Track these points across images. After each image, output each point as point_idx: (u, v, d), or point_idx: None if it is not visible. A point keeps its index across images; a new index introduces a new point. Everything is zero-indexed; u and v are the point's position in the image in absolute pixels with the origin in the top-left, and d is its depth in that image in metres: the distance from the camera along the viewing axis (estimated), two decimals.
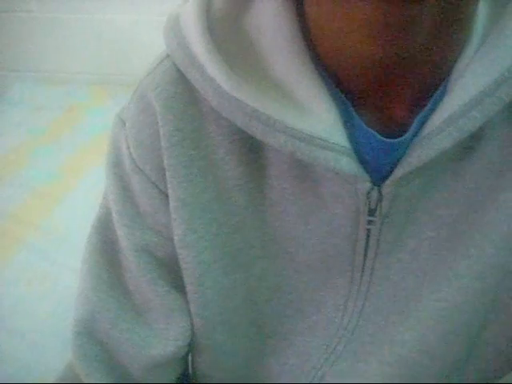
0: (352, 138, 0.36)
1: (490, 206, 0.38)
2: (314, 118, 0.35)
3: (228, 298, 0.44)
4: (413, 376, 0.43)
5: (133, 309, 0.44)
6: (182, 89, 0.39)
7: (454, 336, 0.41)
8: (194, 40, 0.36)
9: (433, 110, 0.35)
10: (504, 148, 0.37)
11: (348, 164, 0.35)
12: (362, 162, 0.36)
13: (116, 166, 0.43)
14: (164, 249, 0.43)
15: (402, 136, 0.36)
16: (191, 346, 0.47)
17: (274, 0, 0.36)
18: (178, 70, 0.38)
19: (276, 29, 0.36)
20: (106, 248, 0.45)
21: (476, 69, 0.33)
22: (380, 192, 0.37)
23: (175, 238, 0.41)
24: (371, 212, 0.39)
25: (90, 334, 0.45)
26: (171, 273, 0.43)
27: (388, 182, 0.37)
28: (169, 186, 0.40)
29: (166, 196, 0.41)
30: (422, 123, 0.35)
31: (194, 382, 0.53)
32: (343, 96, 0.36)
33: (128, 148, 0.41)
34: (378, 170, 0.37)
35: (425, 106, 0.35)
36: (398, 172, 0.36)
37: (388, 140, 0.36)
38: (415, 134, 0.35)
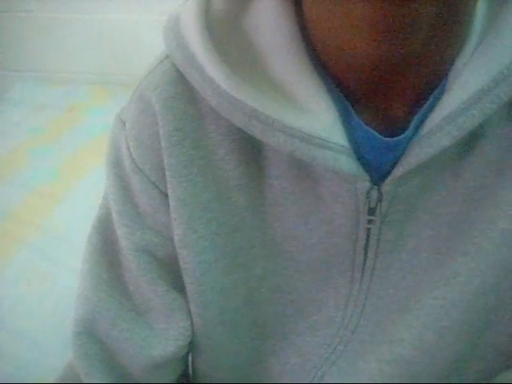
0: (351, 137, 0.36)
1: (489, 204, 0.38)
2: (313, 117, 0.35)
3: (228, 297, 0.44)
4: (412, 375, 0.43)
5: (133, 309, 0.45)
6: (181, 89, 0.39)
7: (453, 335, 0.41)
8: (193, 40, 0.36)
9: (432, 108, 0.35)
10: (503, 146, 0.37)
11: (347, 163, 0.35)
12: (362, 161, 0.36)
13: (116, 166, 0.43)
14: (164, 249, 0.43)
15: (401, 135, 0.36)
16: (191, 346, 0.47)
17: (273, 0, 0.37)
18: (178, 71, 0.38)
19: (275, 29, 0.36)
20: (106, 248, 0.45)
21: (474, 67, 0.33)
22: (380, 191, 0.37)
23: (175, 237, 0.41)
24: (371, 211, 0.39)
25: (90, 334, 0.45)
26: (171, 273, 0.43)
27: (387, 181, 0.37)
28: (168, 185, 0.40)
29: (166, 196, 0.41)
30: (421, 122, 0.35)
31: (193, 382, 0.53)
32: (342, 95, 0.36)
33: (128, 148, 0.41)
34: (378, 169, 0.37)
35: (424, 104, 0.35)
36: (398, 171, 0.36)
37: (387, 139, 0.36)
38: (414, 133, 0.36)
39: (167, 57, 0.40)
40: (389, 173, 0.37)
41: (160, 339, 0.44)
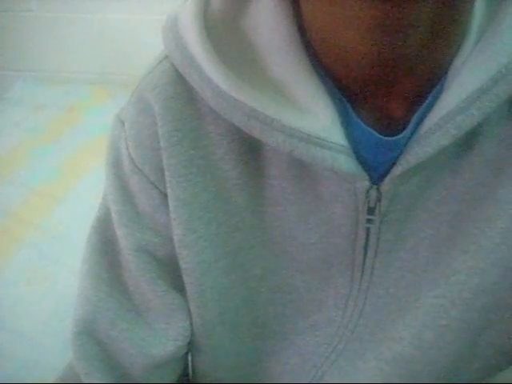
0: (350, 136, 0.36)
1: (488, 203, 0.38)
2: (312, 117, 0.35)
3: (228, 297, 0.44)
4: (411, 374, 0.43)
5: (132, 309, 0.45)
6: (180, 89, 0.39)
7: (453, 333, 0.41)
8: (192, 40, 0.36)
9: (430, 107, 0.35)
10: (502, 145, 0.37)
11: (346, 163, 0.35)
12: (361, 160, 0.36)
13: (115, 167, 0.43)
14: (163, 249, 0.43)
15: (400, 134, 0.36)
16: (191, 346, 0.47)
17: (272, 0, 0.37)
18: (177, 71, 0.38)
19: (273, 29, 0.36)
20: (105, 248, 0.45)
21: (473, 66, 0.33)
22: (379, 190, 0.37)
23: (175, 237, 0.41)
24: (370, 211, 0.39)
25: (89, 334, 0.45)
26: (171, 273, 0.43)
27: (387, 180, 0.37)
28: (168, 185, 0.40)
29: (165, 196, 0.41)
30: (420, 121, 0.35)
31: (193, 382, 0.53)
32: (341, 95, 0.36)
33: (127, 148, 0.41)
34: (377, 169, 0.37)
35: (422, 103, 0.35)
36: (397, 170, 0.36)
37: (386, 138, 0.36)
38: (413, 132, 0.36)
39: (166, 57, 0.40)
40: (388, 172, 0.37)
41: (159, 339, 0.44)
